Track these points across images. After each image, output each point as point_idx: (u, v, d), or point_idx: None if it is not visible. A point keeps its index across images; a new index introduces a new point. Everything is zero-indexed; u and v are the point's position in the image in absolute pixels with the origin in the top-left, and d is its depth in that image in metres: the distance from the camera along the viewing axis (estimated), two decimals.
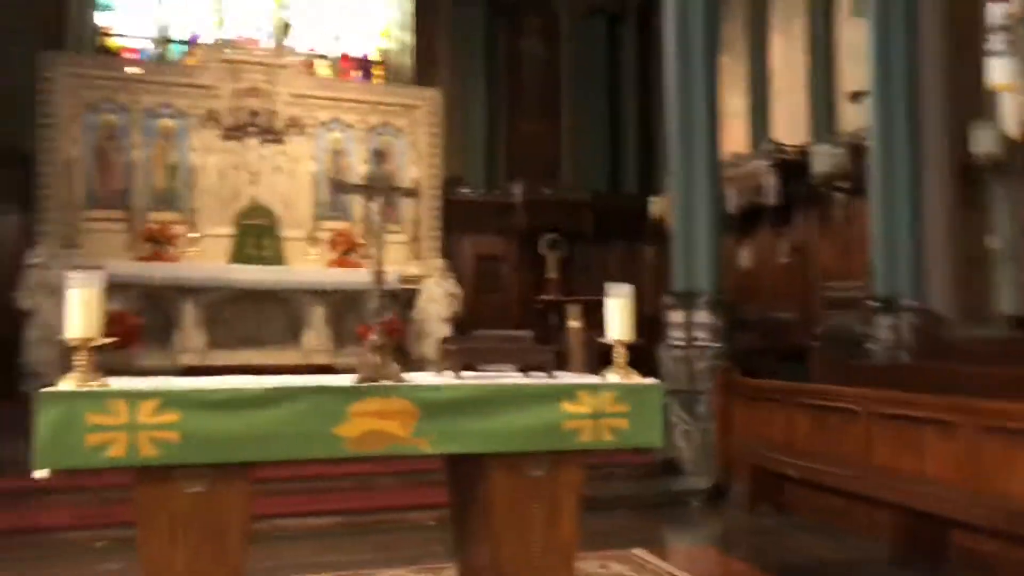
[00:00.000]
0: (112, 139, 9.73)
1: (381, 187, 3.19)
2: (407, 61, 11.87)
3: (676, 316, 7.42)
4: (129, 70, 10.02)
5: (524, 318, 10.87)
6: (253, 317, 9.49)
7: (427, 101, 10.95)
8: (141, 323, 8.62)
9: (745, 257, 10.31)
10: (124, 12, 11.15)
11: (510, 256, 11.49)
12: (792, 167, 9.18)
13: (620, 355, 3.63)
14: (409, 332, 9.98)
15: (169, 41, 11.25)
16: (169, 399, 2.75)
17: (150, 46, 11.16)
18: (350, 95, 10.71)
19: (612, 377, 3.55)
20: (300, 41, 11.69)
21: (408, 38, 11.88)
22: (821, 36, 9.40)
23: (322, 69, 11.74)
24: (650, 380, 3.58)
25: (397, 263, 10.24)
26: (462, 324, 10.47)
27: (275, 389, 2.91)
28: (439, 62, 11.85)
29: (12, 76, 9.70)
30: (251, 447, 2.83)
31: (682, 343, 7.33)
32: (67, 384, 2.72)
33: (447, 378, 3.42)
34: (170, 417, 2.73)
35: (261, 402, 2.86)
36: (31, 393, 7.30)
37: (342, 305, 9.65)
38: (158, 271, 8.97)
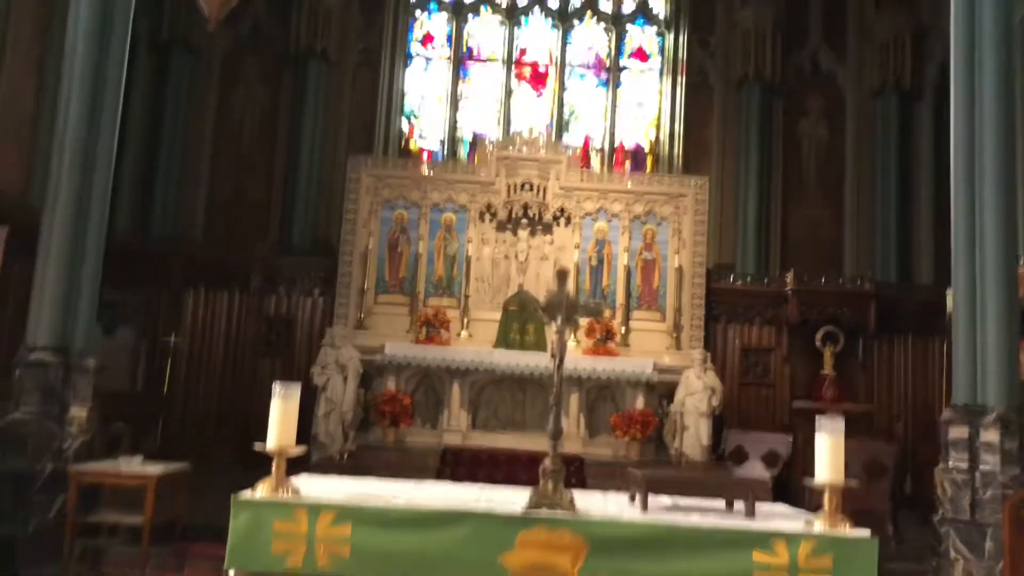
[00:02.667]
0: (403, 232, 10.79)
1: (560, 308, 3.19)
2: (677, 149, 11.88)
3: (957, 433, 6.47)
4: (423, 170, 11.09)
5: (793, 417, 10.14)
6: (513, 400, 9.87)
7: (693, 188, 10.85)
8: (411, 402, 9.31)
9: None
10: (424, 118, 12.41)
11: (780, 349, 10.81)
12: None
13: (830, 500, 3.24)
14: (666, 425, 9.72)
15: (459, 141, 12.32)
16: (344, 512, 2.93)
17: (442, 146, 12.29)
18: (616, 186, 10.93)
19: (818, 525, 3.18)
20: (577, 134, 12.24)
21: (678, 126, 11.91)
22: None
23: (596, 161, 12.13)
24: (862, 532, 3.15)
25: (654, 353, 10.14)
26: (724, 419, 10.04)
27: (443, 512, 2.98)
28: (710, 147, 11.74)
29: (327, 176, 11.26)
30: (416, 568, 2.92)
31: (964, 465, 6.36)
32: (260, 491, 3.00)
33: (627, 510, 3.28)
34: (343, 531, 2.90)
35: (429, 523, 2.95)
36: (317, 463, 8.17)
37: (596, 393, 9.72)
38: (430, 353, 9.69)
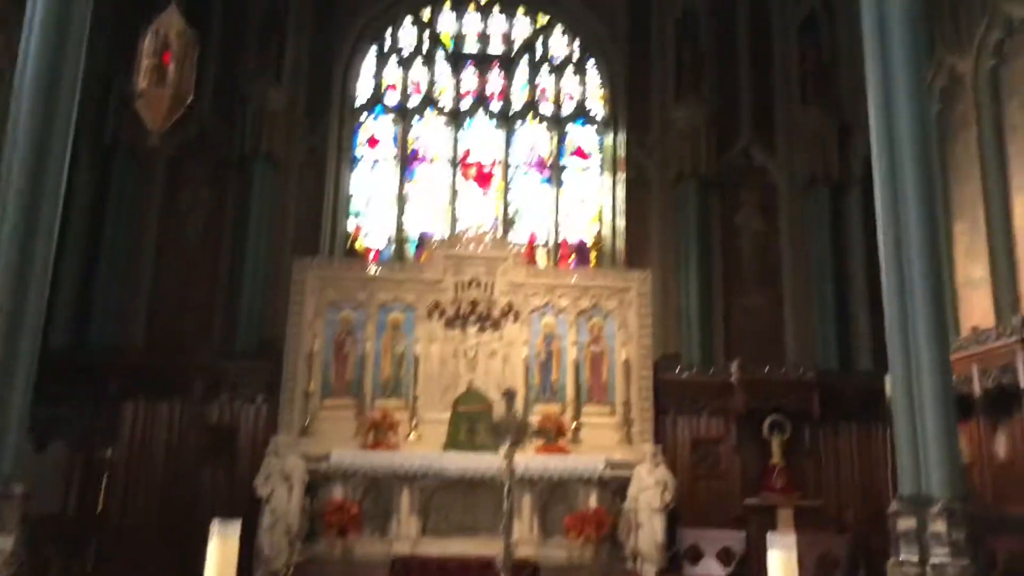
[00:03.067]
0: (349, 333, 10.70)
1: (509, 431, 3.17)
2: (620, 244, 12.12)
3: (905, 525, 6.50)
4: (370, 270, 11.08)
5: (746, 511, 10.10)
6: (465, 504, 9.66)
7: (637, 282, 11.05)
8: (359, 512, 9.06)
9: (1003, 445, 8.97)
10: (371, 217, 12.48)
11: (729, 439, 10.84)
12: None
13: None
14: (621, 524, 9.60)
15: (405, 240, 12.40)
16: None
17: (388, 245, 12.34)
18: (562, 281, 11.08)
19: None
20: (522, 230, 12.43)
21: (620, 221, 12.19)
22: None
23: (541, 257, 12.31)
24: None
25: (606, 448, 10.10)
26: (678, 513, 9.96)
27: None
28: (651, 241, 11.98)
29: (272, 278, 11.16)
30: None
31: (915, 558, 6.37)
32: None
33: None
34: None
35: None
36: None
37: (549, 493, 9.59)
38: (378, 459, 9.50)
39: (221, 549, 2.95)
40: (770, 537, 3.27)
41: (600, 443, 10.27)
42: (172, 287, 11.15)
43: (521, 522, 9.31)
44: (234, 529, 3.04)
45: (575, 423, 10.39)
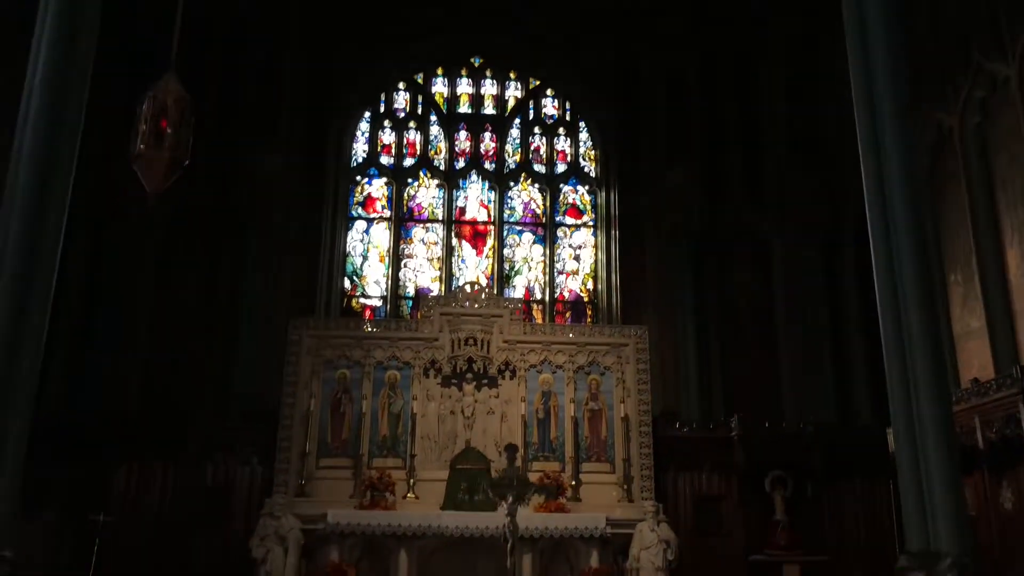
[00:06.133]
0: (346, 392, 10.61)
1: (511, 486, 3.13)
2: (616, 300, 12.14)
3: None
4: (366, 328, 11.05)
5: (751, 568, 9.91)
6: (464, 565, 9.47)
7: (634, 338, 11.02)
8: (355, 574, 8.86)
9: (1009, 499, 8.86)
10: (367, 276, 12.50)
11: (731, 496, 10.69)
12: None
13: None
14: None
15: (402, 298, 12.41)
16: None
17: (384, 304, 12.33)
18: (559, 338, 11.05)
19: None
20: (517, 287, 12.45)
21: (615, 278, 12.23)
22: None
23: (537, 313, 12.30)
24: None
25: (607, 506, 9.95)
26: (681, 573, 9.77)
27: None
28: (647, 297, 11.99)
29: (268, 339, 11.09)
30: None
31: None
32: None
33: None
34: None
35: None
36: None
37: (550, 552, 9.41)
38: (375, 519, 9.34)
39: None
40: None
41: (601, 501, 10.13)
42: (166, 349, 11.05)
43: None
44: None
45: (575, 481, 10.25)
